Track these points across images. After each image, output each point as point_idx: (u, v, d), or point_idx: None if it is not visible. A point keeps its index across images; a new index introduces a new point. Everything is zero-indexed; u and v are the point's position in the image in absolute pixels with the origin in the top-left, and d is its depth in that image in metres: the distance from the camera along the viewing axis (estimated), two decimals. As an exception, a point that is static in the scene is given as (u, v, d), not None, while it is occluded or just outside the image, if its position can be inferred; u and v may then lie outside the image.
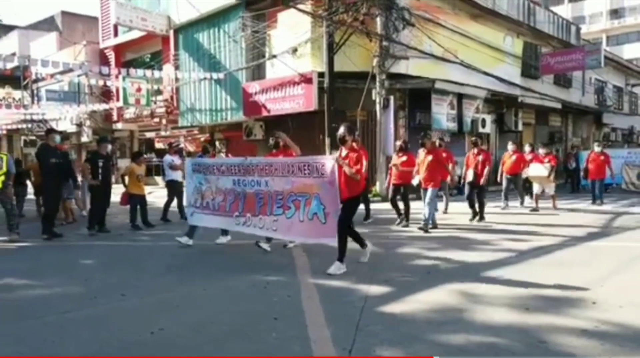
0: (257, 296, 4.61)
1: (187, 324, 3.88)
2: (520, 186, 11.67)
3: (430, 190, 8.29)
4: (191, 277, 5.45)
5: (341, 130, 5.79)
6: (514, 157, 11.39)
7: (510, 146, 11.61)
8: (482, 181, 9.49)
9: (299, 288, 4.81)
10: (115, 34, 22.30)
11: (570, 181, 17.44)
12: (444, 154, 9.68)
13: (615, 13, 47.47)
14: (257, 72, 16.69)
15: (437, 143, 9.76)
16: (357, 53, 13.99)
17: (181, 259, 6.47)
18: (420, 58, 14.55)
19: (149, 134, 22.11)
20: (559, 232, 7.87)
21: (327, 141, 13.73)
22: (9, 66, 16.65)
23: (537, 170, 11.15)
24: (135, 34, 20.37)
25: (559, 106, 21.82)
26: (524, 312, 3.96)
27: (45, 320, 4.03)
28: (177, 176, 10.21)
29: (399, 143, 9.57)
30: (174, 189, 10.27)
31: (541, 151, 11.85)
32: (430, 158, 8.41)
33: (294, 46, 14.83)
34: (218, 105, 17.85)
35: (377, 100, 14.04)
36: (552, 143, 22.74)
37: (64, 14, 29.41)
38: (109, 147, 9.26)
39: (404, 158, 9.08)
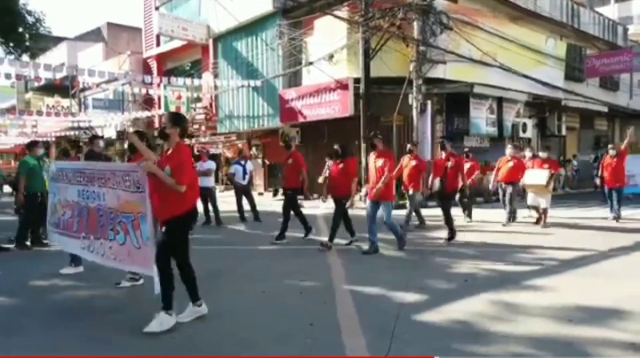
0: (292, 302, 4.62)
1: (221, 328, 3.93)
2: (514, 199, 9.67)
3: (384, 204, 6.83)
4: (228, 281, 5.52)
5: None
6: (511, 163, 9.65)
7: (509, 150, 9.90)
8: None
9: (334, 294, 4.79)
10: (158, 44, 23.01)
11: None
12: (414, 162, 8.84)
13: (666, 12, 45.26)
14: (294, 79, 16.85)
15: (412, 147, 9.16)
16: (394, 58, 13.91)
17: (218, 264, 6.56)
18: (458, 62, 14.32)
19: (188, 141, 22.63)
20: (603, 241, 7.53)
21: (363, 146, 13.69)
22: (59, 75, 17.40)
23: (535, 178, 9.45)
24: (176, 44, 20.97)
25: (605, 109, 20.99)
26: (567, 324, 3.81)
27: (80, 324, 4.14)
28: (206, 182, 10.30)
29: (336, 146, 7.59)
30: (204, 196, 10.33)
31: (541, 154, 10.11)
32: (380, 162, 6.86)
33: (330, 53, 14.90)
34: (255, 112, 18.12)
35: (414, 105, 13.89)
36: (598, 148, 21.90)
37: (110, 25, 30.57)
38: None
39: (341, 166, 7.31)
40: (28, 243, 8.00)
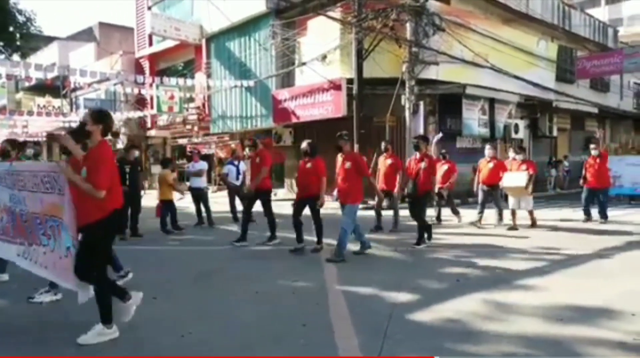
0: (285, 303, 4.63)
1: (215, 328, 3.93)
2: (499, 200, 9.54)
3: (347, 207, 6.55)
4: (220, 282, 5.52)
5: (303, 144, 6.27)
6: (491, 164, 9.42)
7: (488, 151, 9.68)
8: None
9: (326, 295, 4.80)
10: (150, 44, 22.92)
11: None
12: (389, 161, 8.86)
13: (656, 14, 45.72)
14: (287, 80, 16.86)
15: (387, 145, 9.01)
16: (386, 59, 13.96)
17: (210, 264, 6.55)
18: (451, 63, 14.40)
19: (181, 141, 22.56)
20: (594, 242, 7.60)
21: (356, 147, 13.71)
22: (50, 75, 17.25)
23: (514, 180, 9.13)
24: (169, 43, 20.90)
25: (595, 110, 21.20)
26: (557, 323, 3.84)
27: (76, 322, 4.12)
28: (198, 183, 10.35)
29: (304, 144, 7.20)
30: (195, 196, 10.37)
31: (517, 156, 9.54)
32: (348, 164, 6.67)
33: (323, 53, 14.92)
34: (248, 112, 18.09)
35: (407, 106, 13.95)
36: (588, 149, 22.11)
37: (102, 25, 30.39)
38: (136, 153, 9.34)
39: (309, 165, 7.03)
40: None
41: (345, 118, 14.18)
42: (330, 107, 14.65)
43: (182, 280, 5.65)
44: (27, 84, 25.91)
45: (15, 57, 17.29)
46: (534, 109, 18.66)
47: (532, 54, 17.25)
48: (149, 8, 21.58)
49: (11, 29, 16.40)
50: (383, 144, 9.36)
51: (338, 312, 4.24)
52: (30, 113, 24.36)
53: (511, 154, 9.75)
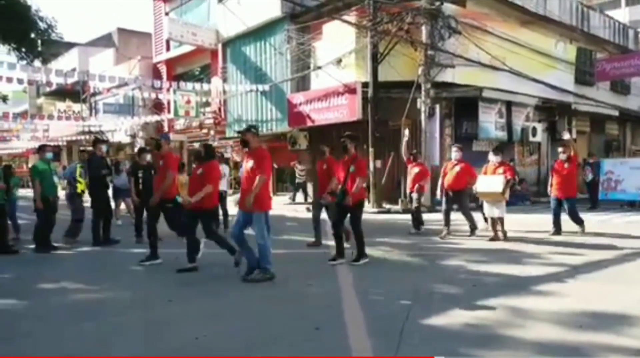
0: (299, 306, 4.63)
1: (229, 331, 3.95)
2: (467, 208, 8.65)
3: (254, 216, 5.53)
4: (235, 285, 5.53)
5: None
6: (457, 168, 8.46)
7: (455, 154, 8.71)
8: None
9: (340, 298, 4.79)
10: (168, 49, 23.21)
11: (589, 196, 14.28)
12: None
13: (678, 15, 44.79)
14: (302, 84, 16.91)
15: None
16: (402, 62, 13.91)
17: (226, 267, 6.57)
18: (467, 66, 14.28)
19: (197, 145, 22.76)
20: (610, 246, 7.44)
21: (371, 150, 13.69)
22: (70, 80, 17.62)
23: (489, 185, 8.19)
24: (185, 48, 21.14)
25: (615, 113, 20.79)
26: (576, 330, 3.77)
27: (95, 324, 4.20)
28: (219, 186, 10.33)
29: (198, 147, 6.48)
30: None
31: (493, 158, 8.53)
32: (250, 164, 5.62)
33: (338, 57, 14.94)
34: (264, 116, 18.19)
35: (422, 109, 13.88)
36: (610, 152, 21.73)
37: (120, 30, 30.90)
38: (149, 157, 9.14)
39: (199, 171, 6.24)
40: (55, 244, 8.16)
41: (361, 122, 14.16)
42: (345, 110, 14.65)
43: (198, 282, 5.69)
44: (48, 89, 26.47)
45: (37, 63, 17.65)
46: (552, 112, 18.39)
47: (550, 56, 17.01)
48: (167, 14, 21.89)
49: (33, 35, 16.75)
50: (324, 148, 8.18)
51: (352, 316, 4.23)
52: (50, 117, 24.86)
53: (492, 157, 8.59)
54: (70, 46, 31.17)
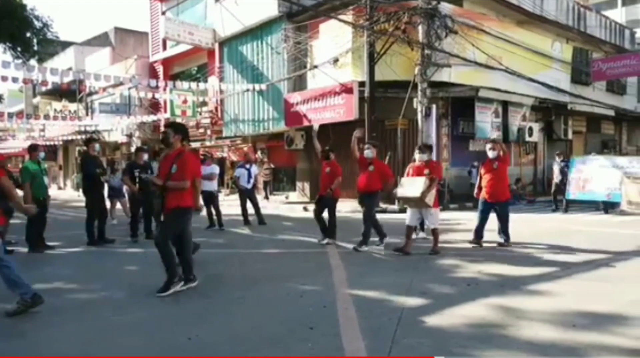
0: (292, 306, 4.61)
1: (222, 331, 3.93)
2: (370, 214, 7.51)
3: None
4: (228, 285, 5.52)
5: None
6: (371, 167, 7.51)
7: (367, 151, 7.58)
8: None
9: (335, 298, 4.78)
10: (164, 48, 23.17)
11: (553, 198, 13.42)
12: (328, 169, 7.95)
13: (674, 15, 44.95)
14: (299, 83, 16.90)
15: (328, 152, 8.02)
16: (399, 62, 13.91)
17: (220, 267, 6.57)
18: (464, 66, 14.29)
19: (194, 144, 22.73)
20: (603, 245, 7.45)
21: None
22: (66, 80, 17.56)
23: (409, 189, 7.02)
24: (182, 48, 21.11)
25: (611, 113, 20.86)
26: (570, 329, 3.77)
27: (88, 324, 4.18)
28: (210, 186, 10.32)
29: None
30: (206, 199, 10.37)
31: (418, 157, 7.35)
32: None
33: (335, 56, 14.94)
34: (260, 115, 18.17)
35: (419, 109, 13.87)
36: (607, 151, 21.79)
37: (117, 30, 30.83)
38: (145, 156, 9.29)
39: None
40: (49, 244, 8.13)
41: (357, 121, 14.15)
42: (342, 110, 14.64)
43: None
44: (43, 88, 26.40)
45: (33, 62, 17.57)
46: (548, 111, 18.44)
47: (546, 56, 17.05)
48: (163, 13, 21.86)
49: (28, 34, 16.66)
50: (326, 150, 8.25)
51: (346, 315, 4.22)
52: (47, 117, 24.75)
53: (417, 155, 7.43)
54: (66, 45, 31.08)
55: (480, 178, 7.86)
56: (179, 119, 20.92)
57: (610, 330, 3.74)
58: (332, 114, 14.92)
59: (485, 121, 15.51)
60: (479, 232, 7.61)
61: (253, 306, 4.67)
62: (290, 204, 16.05)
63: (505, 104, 16.11)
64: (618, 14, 40.11)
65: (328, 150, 8.27)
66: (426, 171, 7.09)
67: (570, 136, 19.54)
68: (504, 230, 7.67)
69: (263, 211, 11.28)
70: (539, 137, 18.16)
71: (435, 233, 7.08)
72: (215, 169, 10.96)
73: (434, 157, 13.61)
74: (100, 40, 30.86)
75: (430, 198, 6.93)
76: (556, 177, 13.25)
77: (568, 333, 3.69)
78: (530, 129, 16.94)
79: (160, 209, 5.52)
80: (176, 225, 5.19)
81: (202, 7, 20.79)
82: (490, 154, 7.67)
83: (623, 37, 22.45)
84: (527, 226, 10.22)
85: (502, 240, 7.61)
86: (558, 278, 5.45)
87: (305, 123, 15.96)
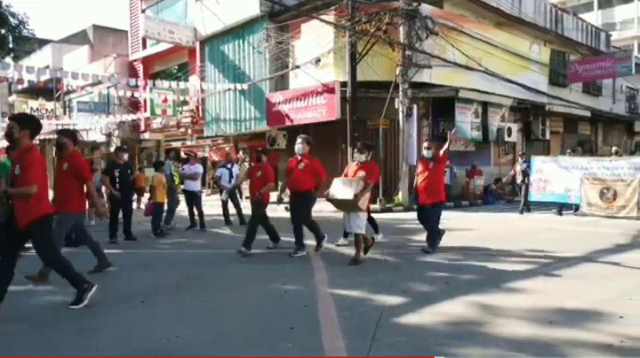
0: (273, 306, 4.60)
1: (203, 332, 3.90)
2: (306, 215, 7.07)
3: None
4: (209, 285, 5.48)
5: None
6: (302, 165, 7.07)
7: (298, 146, 7.17)
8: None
9: (316, 298, 4.78)
10: (144, 47, 22.88)
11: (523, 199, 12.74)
12: (259, 173, 7.56)
13: (648, 19, 46.10)
14: (281, 83, 16.87)
15: (260, 154, 7.80)
16: (380, 62, 13.99)
17: (201, 267, 6.52)
18: (444, 67, 14.45)
19: (175, 144, 22.52)
20: (582, 244, 7.62)
21: (349, 150, 13.71)
22: (43, 78, 17.22)
23: (342, 190, 6.45)
24: (162, 46, 20.88)
25: (588, 114, 21.33)
26: (546, 326, 3.84)
27: (66, 326, 4.10)
28: (193, 186, 10.31)
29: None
30: (189, 199, 10.33)
31: (356, 157, 6.92)
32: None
33: (317, 56, 14.95)
34: (242, 115, 18.08)
35: (400, 109, 13.97)
36: (583, 152, 22.26)
37: (96, 27, 30.29)
38: (126, 156, 9.22)
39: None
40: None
41: (339, 121, 14.20)
42: (324, 110, 14.66)
43: (172, 283, 5.61)
44: (19, 87, 25.84)
45: (8, 59, 17.19)
46: (527, 112, 18.75)
47: (525, 58, 17.34)
48: (143, 11, 21.55)
49: (3, 32, 16.30)
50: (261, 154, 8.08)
51: (326, 315, 4.22)
52: (23, 116, 24.17)
53: (357, 156, 6.92)
54: (43, 42, 30.46)
55: (416, 178, 7.43)
56: (159, 119, 20.74)
57: (585, 326, 3.82)
58: (314, 114, 14.93)
59: (466, 121, 15.70)
60: (432, 238, 7.13)
61: (234, 306, 4.65)
62: (272, 204, 15.97)
63: (484, 105, 16.33)
64: (594, 17, 40.99)
65: (261, 152, 7.97)
66: (361, 173, 6.59)
67: (548, 136, 19.90)
68: (431, 235, 7.10)
69: (244, 211, 11.21)
70: (518, 137, 18.46)
71: (358, 238, 6.46)
72: (199, 169, 10.88)
73: (414, 158, 14.00)
74: (79, 38, 30.30)
75: (364, 202, 6.47)
76: (518, 178, 12.86)
77: (544, 330, 3.75)
78: (509, 129, 17.21)
79: (6, 219, 4.44)
80: (49, 238, 4.52)
81: (182, 6, 20.59)
82: (426, 153, 7.26)
83: (599, 40, 22.95)
84: (504, 225, 10.42)
85: (430, 249, 6.99)
86: (535, 276, 5.55)
87: (288, 123, 15.95)
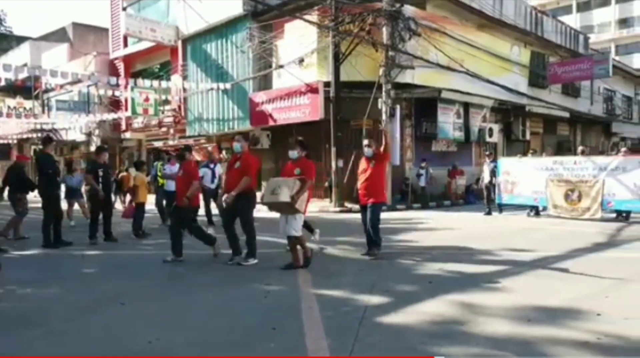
0: (256, 306, 4.59)
1: (185, 333, 3.86)
2: (248, 221, 6.48)
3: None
4: (191, 286, 5.44)
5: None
6: (238, 163, 6.47)
7: (236, 144, 6.57)
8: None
9: (299, 298, 4.78)
10: (125, 45, 22.57)
11: (486, 201, 12.52)
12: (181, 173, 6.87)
13: (625, 22, 47.18)
14: (264, 82, 16.81)
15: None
16: (363, 63, 14.05)
17: (183, 268, 6.46)
18: (427, 67, 14.57)
19: (156, 144, 22.27)
20: (561, 243, 7.76)
21: (333, 150, 13.75)
22: (21, 76, 16.90)
23: (278, 190, 5.83)
24: (144, 45, 20.62)
25: (567, 115, 21.73)
26: (525, 324, 3.90)
27: (44, 329, 4.03)
28: (172, 186, 10.17)
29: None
30: (171, 199, 10.19)
31: (291, 154, 6.37)
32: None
33: (301, 56, 14.94)
34: (225, 115, 17.97)
35: (383, 109, 14.05)
36: (562, 152, 22.67)
37: (75, 25, 29.80)
38: (106, 155, 9.18)
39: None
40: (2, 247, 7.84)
41: (323, 121, 14.21)
42: (307, 110, 14.66)
43: (153, 285, 5.56)
44: (-4, 84, 25.29)
45: (-16, 57, 16.82)
46: (507, 113, 19.03)
47: (505, 59, 17.59)
48: (124, 9, 21.23)
49: (-21, 28, 15.94)
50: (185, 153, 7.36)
51: (310, 315, 4.23)
52: (-1, 114, 23.73)
53: (290, 152, 6.41)
54: (21, 40, 29.91)
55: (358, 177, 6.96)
56: (141, 118, 20.50)
57: (563, 324, 3.89)
58: (298, 114, 14.91)
59: (448, 121, 15.87)
60: (372, 242, 6.70)
61: (216, 307, 4.62)
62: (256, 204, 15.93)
63: (466, 106, 16.53)
64: (573, 20, 41.70)
65: (184, 149, 7.33)
66: (296, 171, 6.12)
67: (528, 136, 20.23)
68: (373, 238, 6.63)
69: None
70: (499, 138, 18.72)
71: (293, 242, 5.99)
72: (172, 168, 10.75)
73: (397, 158, 14.10)
74: (58, 36, 29.77)
75: (301, 203, 5.90)
76: (486, 179, 12.51)
77: (523, 328, 3.81)
78: (491, 130, 17.44)
79: None
80: None
81: (164, 4, 20.36)
82: (366, 151, 6.84)
83: (577, 42, 23.40)
84: (486, 224, 10.55)
85: (374, 252, 6.60)
86: (514, 275, 5.63)
87: (271, 123, 15.90)
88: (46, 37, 30.79)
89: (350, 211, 13.38)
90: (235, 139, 6.68)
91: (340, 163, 14.11)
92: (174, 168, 10.46)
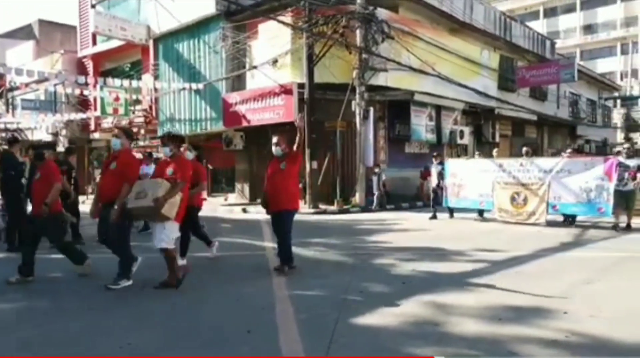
0: (230, 309, 4.55)
1: (156, 338, 3.80)
2: (115, 232, 5.35)
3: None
4: (163, 290, 5.33)
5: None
6: (114, 164, 5.47)
7: (114, 141, 5.66)
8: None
9: (273, 300, 4.76)
10: (94, 43, 22.07)
11: (432, 204, 11.90)
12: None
13: (589, 28, 48.81)
14: (237, 83, 16.70)
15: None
16: (337, 65, 14.10)
17: (155, 271, 6.32)
18: (399, 70, 14.74)
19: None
20: (530, 243, 7.96)
21: (307, 151, 13.75)
22: (-17, 74, 16.30)
23: (143, 194, 5.03)
24: (114, 43, 20.20)
25: (534, 118, 22.32)
26: (496, 323, 3.98)
27: (14, 337, 3.89)
28: None
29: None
30: None
31: (164, 152, 5.55)
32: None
33: (274, 57, 14.90)
34: (198, 115, 17.76)
35: (357, 111, 14.14)
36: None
37: (42, 22, 28.97)
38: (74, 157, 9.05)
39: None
40: None
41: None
42: (281, 111, 14.63)
43: (124, 289, 5.42)
44: (-43, 82, 24.35)
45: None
46: (478, 116, 19.42)
47: (476, 63, 17.97)
48: (93, 6, 20.78)
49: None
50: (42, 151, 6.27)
51: (284, 317, 4.21)
52: (-40, 113, 22.86)
53: (160, 152, 5.65)
54: (-17, 36, 28.80)
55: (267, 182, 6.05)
56: (110, 118, 20.07)
57: (532, 322, 3.99)
58: (272, 115, 14.87)
59: (420, 124, 16.09)
60: (284, 255, 5.95)
61: (189, 311, 4.56)
62: (229, 206, 15.81)
63: (438, 108, 16.80)
64: (540, 25, 42.79)
65: (42, 147, 6.36)
66: (169, 171, 5.19)
67: (497, 139, 20.67)
68: (284, 252, 5.87)
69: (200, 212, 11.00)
70: (469, 140, 19.08)
71: (166, 253, 5.18)
72: (151, 169, 10.55)
73: (370, 160, 14.20)
74: (23, 33, 28.87)
75: (171, 209, 4.94)
76: (433, 182, 11.94)
77: (494, 327, 3.89)
78: (462, 132, 17.77)
79: None
80: None
81: (135, 3, 20.01)
82: (275, 150, 6.00)
83: (544, 47, 24.06)
84: (458, 225, 10.71)
85: (285, 267, 5.85)
86: (486, 275, 5.74)
87: (245, 124, 15.80)
88: (11, 34, 29.81)
89: (325, 212, 13.42)
90: (114, 134, 5.69)
91: (315, 165, 14.12)
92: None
